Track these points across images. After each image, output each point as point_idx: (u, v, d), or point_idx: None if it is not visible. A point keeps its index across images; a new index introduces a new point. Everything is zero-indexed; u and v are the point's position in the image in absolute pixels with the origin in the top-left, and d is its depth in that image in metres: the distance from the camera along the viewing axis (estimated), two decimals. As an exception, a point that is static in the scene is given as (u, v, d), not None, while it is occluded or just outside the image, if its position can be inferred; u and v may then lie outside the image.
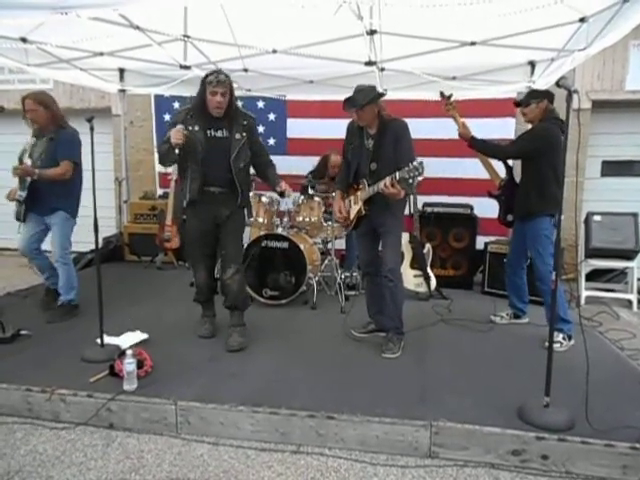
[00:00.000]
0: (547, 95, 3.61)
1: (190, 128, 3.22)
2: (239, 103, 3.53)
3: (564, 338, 3.51)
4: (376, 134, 3.31)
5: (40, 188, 3.79)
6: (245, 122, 3.37)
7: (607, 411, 2.58)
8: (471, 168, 5.64)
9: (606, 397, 2.73)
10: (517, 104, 3.76)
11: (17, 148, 3.97)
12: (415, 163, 2.97)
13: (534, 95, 3.65)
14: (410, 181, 2.99)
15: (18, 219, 3.93)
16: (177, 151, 3.16)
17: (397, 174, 3.03)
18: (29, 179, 3.77)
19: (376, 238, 3.49)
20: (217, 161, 3.29)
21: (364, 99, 3.17)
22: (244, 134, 3.35)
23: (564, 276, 4.17)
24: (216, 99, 3.17)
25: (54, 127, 3.83)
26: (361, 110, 3.21)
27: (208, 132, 3.29)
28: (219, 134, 3.32)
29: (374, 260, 3.56)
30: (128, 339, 3.42)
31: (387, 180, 3.08)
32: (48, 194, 3.81)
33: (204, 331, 3.64)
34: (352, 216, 3.51)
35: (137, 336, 3.49)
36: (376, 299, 3.60)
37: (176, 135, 3.14)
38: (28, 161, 3.81)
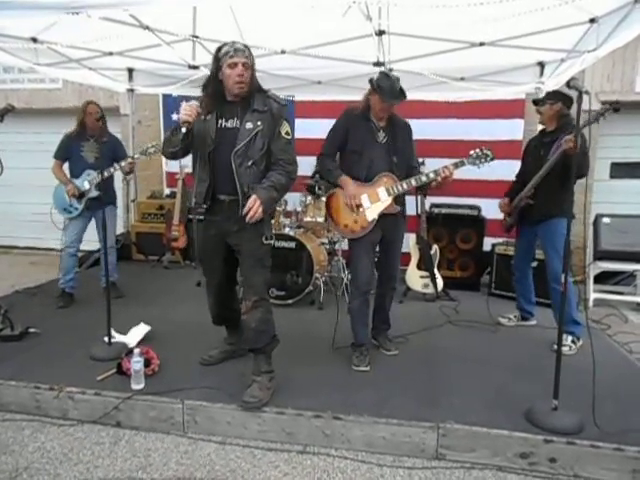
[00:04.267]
0: (563, 98, 3.46)
1: (202, 117, 2.60)
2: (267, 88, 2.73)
3: (573, 341, 3.49)
4: (387, 127, 3.14)
5: (104, 186, 3.99)
6: (266, 107, 2.60)
7: (616, 414, 2.56)
8: (479, 169, 5.62)
9: (615, 400, 2.72)
10: (534, 102, 3.67)
11: (26, 147, 4.02)
12: (485, 149, 3.05)
13: (550, 96, 3.54)
14: (477, 167, 3.10)
15: (76, 216, 4.23)
16: (183, 130, 2.53)
17: (465, 160, 3.08)
18: (99, 178, 3.95)
19: (375, 249, 3.28)
20: (223, 160, 2.59)
21: (403, 96, 3.06)
22: (259, 123, 2.57)
23: (572, 278, 4.13)
24: (237, 72, 2.51)
25: (102, 131, 4.08)
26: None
27: (219, 122, 2.63)
28: (229, 124, 2.62)
29: (372, 276, 3.27)
30: (134, 335, 3.42)
31: (450, 166, 3.03)
32: (106, 190, 4.14)
33: (205, 356, 3.16)
34: (372, 217, 3.10)
35: (141, 329, 3.48)
36: (367, 320, 3.32)
37: (186, 110, 2.51)
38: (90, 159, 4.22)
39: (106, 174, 4.02)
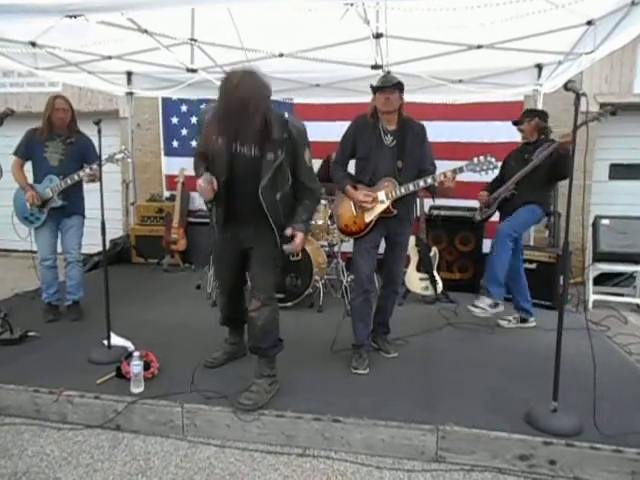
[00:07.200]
0: (538, 114, 4.00)
1: (213, 138, 2.50)
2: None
3: (515, 319, 3.91)
4: (397, 131, 3.14)
5: (68, 194, 3.82)
6: (285, 135, 2.52)
7: (615, 416, 2.56)
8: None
9: (614, 402, 2.72)
10: (514, 123, 4.11)
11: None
12: (489, 157, 3.07)
13: (526, 114, 4.04)
14: (479, 174, 3.12)
15: (41, 226, 3.84)
16: (209, 206, 2.68)
17: (464, 166, 3.09)
18: (62, 186, 3.75)
19: (378, 248, 3.31)
20: (244, 187, 2.57)
21: (395, 80, 3.06)
22: (279, 152, 2.50)
23: (572, 280, 4.17)
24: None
25: (70, 130, 3.86)
26: (392, 92, 3.03)
27: (233, 145, 2.54)
28: (246, 150, 2.54)
29: (373, 274, 3.31)
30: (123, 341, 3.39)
31: (448, 172, 3.04)
32: (71, 199, 3.85)
33: (209, 358, 3.14)
34: (369, 219, 3.17)
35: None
36: (368, 320, 3.33)
37: (204, 192, 2.53)
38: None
39: (69, 181, 3.72)
